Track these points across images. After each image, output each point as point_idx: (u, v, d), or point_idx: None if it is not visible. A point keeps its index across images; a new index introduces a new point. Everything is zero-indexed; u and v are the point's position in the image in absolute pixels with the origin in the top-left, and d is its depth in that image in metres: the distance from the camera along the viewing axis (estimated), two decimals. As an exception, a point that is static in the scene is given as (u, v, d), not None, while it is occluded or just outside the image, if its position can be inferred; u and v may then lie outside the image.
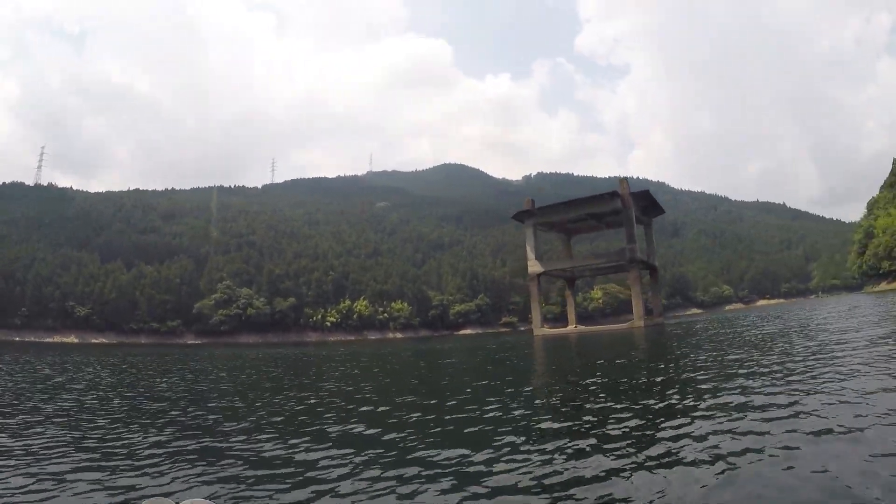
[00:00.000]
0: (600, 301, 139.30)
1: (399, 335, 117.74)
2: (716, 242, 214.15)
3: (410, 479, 5.42)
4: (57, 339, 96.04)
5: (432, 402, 10.54)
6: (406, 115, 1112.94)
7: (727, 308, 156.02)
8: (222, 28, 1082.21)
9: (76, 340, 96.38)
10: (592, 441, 6.76)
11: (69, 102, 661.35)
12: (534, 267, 64.72)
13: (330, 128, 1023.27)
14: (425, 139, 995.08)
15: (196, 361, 33.09)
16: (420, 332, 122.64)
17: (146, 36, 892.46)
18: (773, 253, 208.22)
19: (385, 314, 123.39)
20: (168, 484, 5.67)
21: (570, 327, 68.42)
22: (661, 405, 8.88)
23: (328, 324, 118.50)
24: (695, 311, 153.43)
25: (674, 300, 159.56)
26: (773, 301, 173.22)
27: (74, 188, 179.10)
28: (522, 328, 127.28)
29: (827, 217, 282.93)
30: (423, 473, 5.61)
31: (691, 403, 8.71)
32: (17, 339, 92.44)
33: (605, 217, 69.22)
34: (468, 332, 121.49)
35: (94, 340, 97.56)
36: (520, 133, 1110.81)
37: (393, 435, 7.61)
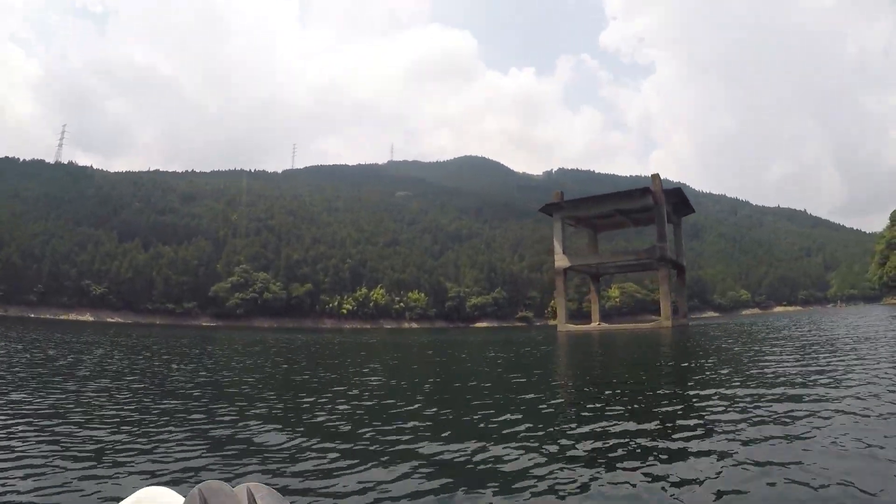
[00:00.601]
0: (617, 300, 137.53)
1: (415, 325, 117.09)
2: (735, 247, 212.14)
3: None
4: (73, 316, 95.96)
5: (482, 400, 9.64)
6: (428, 106, 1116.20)
7: (744, 313, 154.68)
8: (245, 14, 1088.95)
9: (91, 319, 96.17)
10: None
11: (92, 83, 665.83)
12: (561, 261, 63.39)
13: (351, 117, 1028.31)
14: (446, 132, 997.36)
15: (214, 344, 32.01)
16: (436, 322, 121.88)
17: (169, 19, 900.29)
18: (791, 260, 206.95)
19: (401, 304, 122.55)
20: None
21: (594, 324, 66.45)
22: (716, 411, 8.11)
23: (344, 311, 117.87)
24: (712, 314, 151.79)
25: (691, 303, 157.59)
26: (790, 308, 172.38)
27: (95, 167, 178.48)
28: (538, 323, 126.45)
29: (847, 226, 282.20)
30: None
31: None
32: (33, 315, 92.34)
33: (634, 214, 67.54)
34: (484, 324, 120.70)
35: (109, 319, 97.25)
36: (542, 128, 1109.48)
37: (448, 432, 7.17)
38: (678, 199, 64.77)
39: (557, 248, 63.65)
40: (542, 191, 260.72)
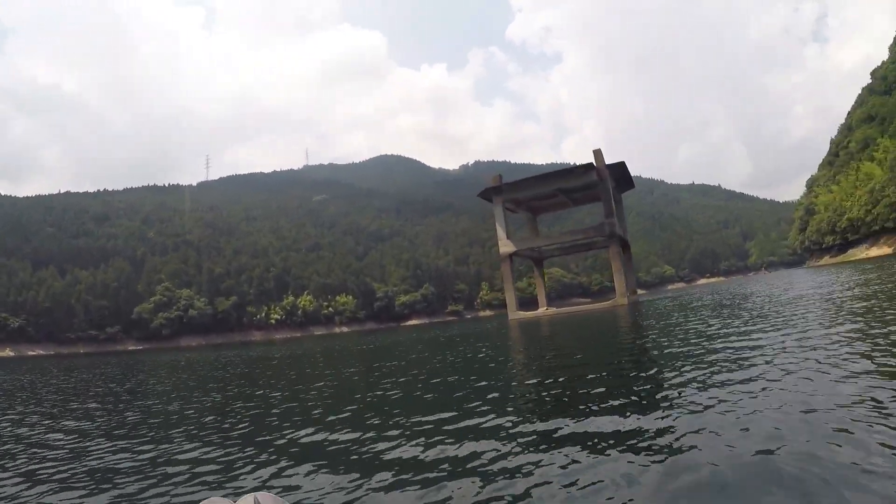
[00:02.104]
0: (545, 287, 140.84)
1: (345, 329, 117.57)
2: (655, 224, 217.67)
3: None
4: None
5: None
6: (341, 108, 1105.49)
7: (669, 287, 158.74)
8: (149, 23, 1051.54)
9: (12, 354, 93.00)
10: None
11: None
12: (506, 247, 61.31)
13: (264, 124, 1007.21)
14: (361, 132, 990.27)
15: (135, 374, 30.24)
16: (366, 324, 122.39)
17: (70, 33, 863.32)
18: (710, 233, 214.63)
19: (330, 308, 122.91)
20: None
21: (542, 310, 64.57)
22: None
23: (272, 321, 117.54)
24: (640, 291, 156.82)
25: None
26: (713, 279, 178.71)
27: (2, 193, 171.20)
28: (469, 316, 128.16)
29: (761, 197, 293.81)
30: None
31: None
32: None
33: (576, 192, 67.06)
34: (415, 322, 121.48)
35: (30, 353, 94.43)
36: (456, 123, 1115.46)
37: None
38: (620, 175, 63.83)
39: (501, 233, 61.74)
40: (459, 185, 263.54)
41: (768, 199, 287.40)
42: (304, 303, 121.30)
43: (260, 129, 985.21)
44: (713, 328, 15.45)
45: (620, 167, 61.66)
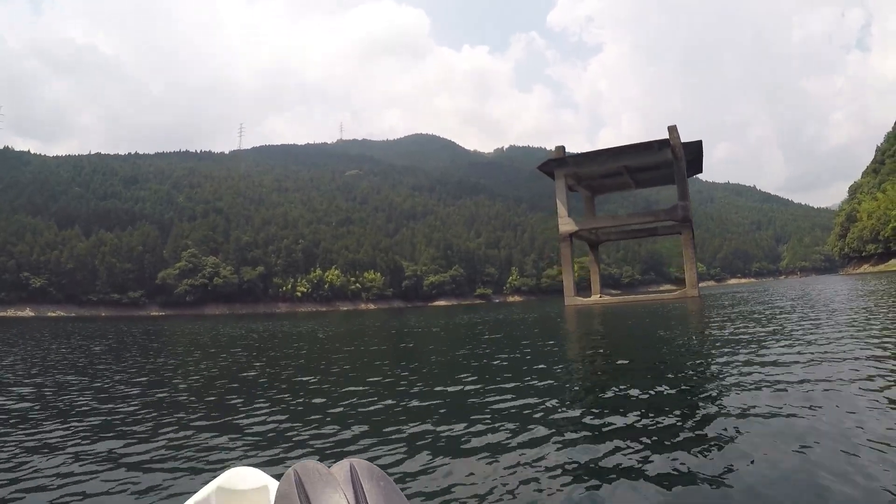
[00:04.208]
0: (577, 273, 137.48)
1: (372, 306, 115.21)
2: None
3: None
4: (11, 312, 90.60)
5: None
6: (379, 84, 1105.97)
7: (700, 285, 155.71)
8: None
9: (32, 314, 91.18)
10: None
11: (28, 65, 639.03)
12: (566, 225, 56.10)
13: (300, 96, 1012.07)
14: (396, 110, 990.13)
15: (156, 340, 28.26)
16: (393, 302, 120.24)
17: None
18: (743, 233, 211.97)
19: (357, 284, 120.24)
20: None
21: (595, 297, 61.05)
22: None
23: (298, 294, 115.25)
24: (669, 287, 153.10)
25: (648, 276, 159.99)
26: (743, 280, 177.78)
27: (32, 152, 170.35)
28: (497, 300, 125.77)
29: (795, 202, 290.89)
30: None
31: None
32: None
33: (642, 172, 61.48)
34: (442, 303, 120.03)
35: (50, 314, 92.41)
36: (494, 106, 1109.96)
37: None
38: (694, 156, 58.23)
39: (562, 210, 56.12)
40: (494, 168, 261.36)
41: (803, 203, 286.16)
42: (331, 277, 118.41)
43: (295, 101, 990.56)
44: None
45: (696, 147, 56.17)
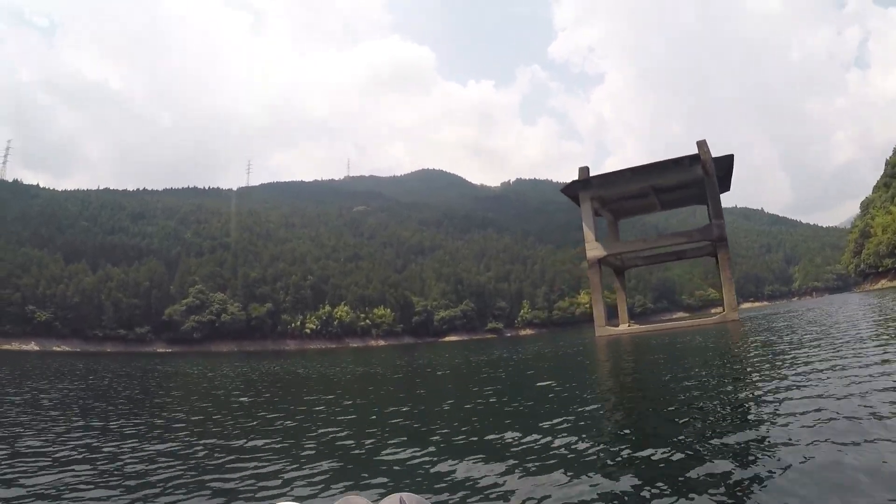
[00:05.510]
0: (588, 305, 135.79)
1: (382, 342, 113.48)
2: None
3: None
4: (15, 346, 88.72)
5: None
6: (385, 118, 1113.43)
7: (713, 311, 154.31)
8: (197, 25, 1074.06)
9: (36, 348, 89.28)
10: None
11: (38, 98, 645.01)
12: (594, 250, 52.84)
13: (306, 131, 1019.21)
14: (401, 144, 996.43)
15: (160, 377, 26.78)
16: (404, 339, 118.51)
17: (119, 30, 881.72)
18: (754, 257, 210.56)
19: (367, 320, 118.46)
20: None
21: (624, 326, 58.06)
22: None
23: (307, 331, 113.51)
24: (682, 314, 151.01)
25: (660, 304, 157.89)
26: (757, 304, 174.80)
27: (41, 186, 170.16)
28: (508, 334, 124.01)
29: (803, 222, 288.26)
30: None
31: None
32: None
33: (671, 192, 58.74)
34: (453, 338, 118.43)
35: (56, 348, 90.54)
36: (499, 139, 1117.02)
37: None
38: (725, 171, 54.75)
39: (588, 234, 52.92)
40: (501, 201, 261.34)
41: (811, 223, 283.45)
42: (340, 314, 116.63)
43: (301, 136, 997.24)
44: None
45: (727, 162, 52.65)
